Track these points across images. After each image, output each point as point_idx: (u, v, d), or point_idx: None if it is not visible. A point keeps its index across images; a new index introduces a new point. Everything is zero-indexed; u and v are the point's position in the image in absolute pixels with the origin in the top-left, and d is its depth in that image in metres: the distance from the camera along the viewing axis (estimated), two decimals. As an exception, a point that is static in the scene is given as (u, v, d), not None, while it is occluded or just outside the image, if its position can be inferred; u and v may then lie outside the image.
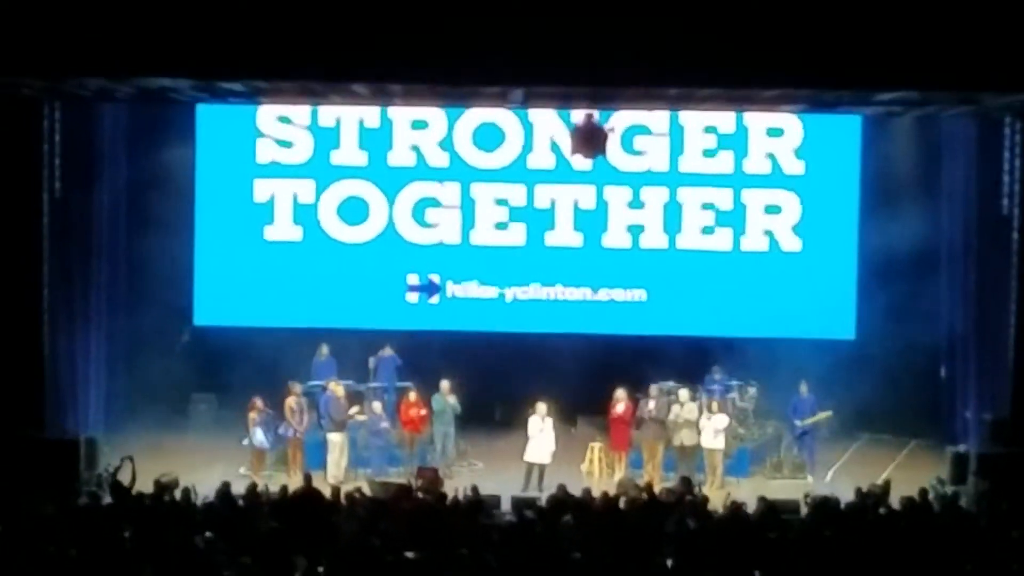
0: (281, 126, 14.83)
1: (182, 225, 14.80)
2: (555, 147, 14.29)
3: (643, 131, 14.22)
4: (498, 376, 14.68)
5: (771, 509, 10.78)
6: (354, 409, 13.16)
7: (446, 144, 14.69)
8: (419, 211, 14.75)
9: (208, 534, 9.62)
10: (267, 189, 14.88)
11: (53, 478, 11.86)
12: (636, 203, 14.72)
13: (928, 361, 14.24)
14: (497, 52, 10.35)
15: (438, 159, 14.63)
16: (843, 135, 14.83)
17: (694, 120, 14.59)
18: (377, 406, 13.24)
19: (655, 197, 14.71)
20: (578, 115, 11.84)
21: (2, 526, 9.80)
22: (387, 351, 14.10)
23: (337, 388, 13.08)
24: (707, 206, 14.76)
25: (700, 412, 13.06)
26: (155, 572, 8.93)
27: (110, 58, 10.50)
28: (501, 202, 14.85)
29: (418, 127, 14.64)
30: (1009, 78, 10.76)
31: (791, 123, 14.68)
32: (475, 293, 14.88)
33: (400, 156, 14.73)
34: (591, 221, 14.77)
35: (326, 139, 14.74)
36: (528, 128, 14.56)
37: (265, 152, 14.70)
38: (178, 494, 10.86)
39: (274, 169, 14.72)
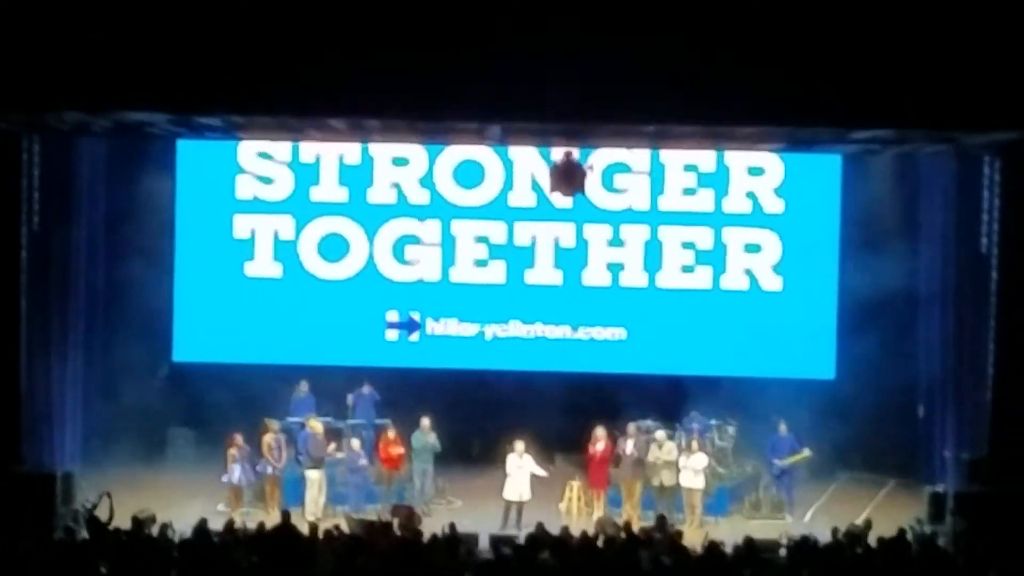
0: (261, 162, 14.90)
1: (162, 260, 14.84)
2: (535, 185, 14.26)
3: (623, 169, 14.20)
4: (477, 413, 14.72)
5: (749, 548, 10.73)
6: (332, 446, 13.28)
7: (426, 181, 14.70)
8: (399, 248, 14.71)
9: (184, 569, 9.82)
10: (247, 225, 14.89)
11: (30, 513, 11.83)
12: (616, 241, 14.76)
13: (907, 401, 14.19)
14: (473, 87, 10.56)
15: (418, 196, 14.68)
16: (823, 174, 14.88)
17: (674, 158, 14.62)
18: (356, 443, 13.27)
19: (635, 235, 14.76)
20: (557, 153, 12.15)
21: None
22: (366, 388, 14.07)
23: (316, 425, 13.08)
24: (687, 245, 14.84)
25: (679, 452, 13.21)
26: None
27: (87, 92, 10.82)
28: (481, 239, 14.87)
29: (399, 164, 14.64)
30: (987, 117, 11.06)
31: (771, 162, 14.82)
32: (455, 331, 14.89)
33: (380, 193, 14.82)
34: (571, 259, 14.82)
35: (306, 175, 14.75)
36: (508, 165, 14.60)
37: (245, 188, 14.79)
38: (155, 530, 10.95)
39: (254, 205, 14.80)
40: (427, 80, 10.66)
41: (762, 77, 10.65)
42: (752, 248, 15.00)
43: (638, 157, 14.61)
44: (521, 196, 14.59)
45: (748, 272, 14.94)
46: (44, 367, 13.29)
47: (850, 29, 10.75)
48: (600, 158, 13.40)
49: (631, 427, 13.39)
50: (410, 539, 10.93)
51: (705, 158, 14.86)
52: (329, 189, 14.89)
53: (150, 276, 14.44)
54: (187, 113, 11.73)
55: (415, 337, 14.91)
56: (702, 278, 14.83)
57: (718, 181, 14.87)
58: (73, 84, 10.93)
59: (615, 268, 14.86)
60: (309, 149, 14.85)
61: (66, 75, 10.84)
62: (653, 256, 14.90)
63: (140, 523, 11.04)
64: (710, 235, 14.86)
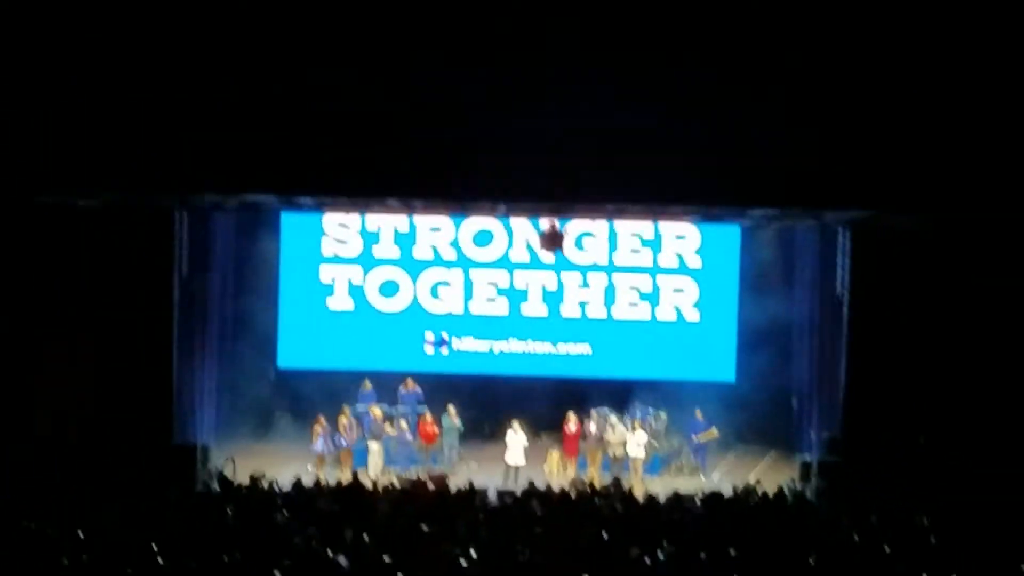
0: (339, 229, 14.92)
1: (270, 296, 14.91)
2: (529, 246, 14.41)
3: (589, 235, 14.40)
4: (487, 404, 14.58)
5: (676, 498, 10.79)
6: (388, 426, 13.27)
7: (454, 243, 14.83)
8: (434, 289, 14.72)
9: (285, 512, 9.73)
10: (329, 273, 14.89)
11: (178, 473, 12.08)
12: (584, 284, 14.69)
13: (785, 397, 14.01)
14: (487, 179, 10.99)
15: (448, 253, 14.75)
16: (728, 239, 14.94)
17: (625, 227, 14.64)
18: (403, 424, 13.28)
19: (597, 281, 14.63)
20: (544, 223, 12.34)
21: (142, 507, 9.69)
22: (410, 385, 13.99)
23: (376, 411, 13.13)
24: (633, 288, 14.69)
25: (627, 431, 13.15)
26: (246, 542, 8.92)
27: (221, 182, 11.31)
28: (491, 283, 14.78)
29: (434, 231, 14.72)
30: (840, 202, 11.59)
31: (691, 231, 14.83)
32: (472, 347, 14.72)
33: (422, 251, 14.89)
34: (553, 298, 14.73)
35: (370, 238, 14.81)
36: (510, 232, 14.58)
37: (328, 247, 14.80)
38: (265, 484, 11.00)
39: (334, 259, 14.72)
40: (455, 174, 10.94)
41: (685, 173, 10.81)
42: (678, 291, 14.86)
43: (600, 226, 14.61)
44: (519, 253, 14.59)
45: (676, 308, 14.84)
46: (188, 370, 13.39)
47: (745, 141, 10.83)
48: (573, 227, 13.35)
49: (593, 413, 13.46)
50: (441, 492, 11.08)
51: (646, 227, 14.85)
52: (386, 248, 14.78)
53: (262, 307, 14.47)
54: (289, 195, 12.39)
55: (445, 351, 14.73)
56: (643, 311, 14.66)
57: (655, 243, 14.82)
58: (210, 177, 11.20)
59: (583, 304, 14.76)
60: (373, 220, 14.90)
61: (206, 171, 11.13)
62: (609, 296, 14.76)
63: (255, 480, 11.14)
64: (649, 281, 14.68)
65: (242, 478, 11.48)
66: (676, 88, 11.06)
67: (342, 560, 8.30)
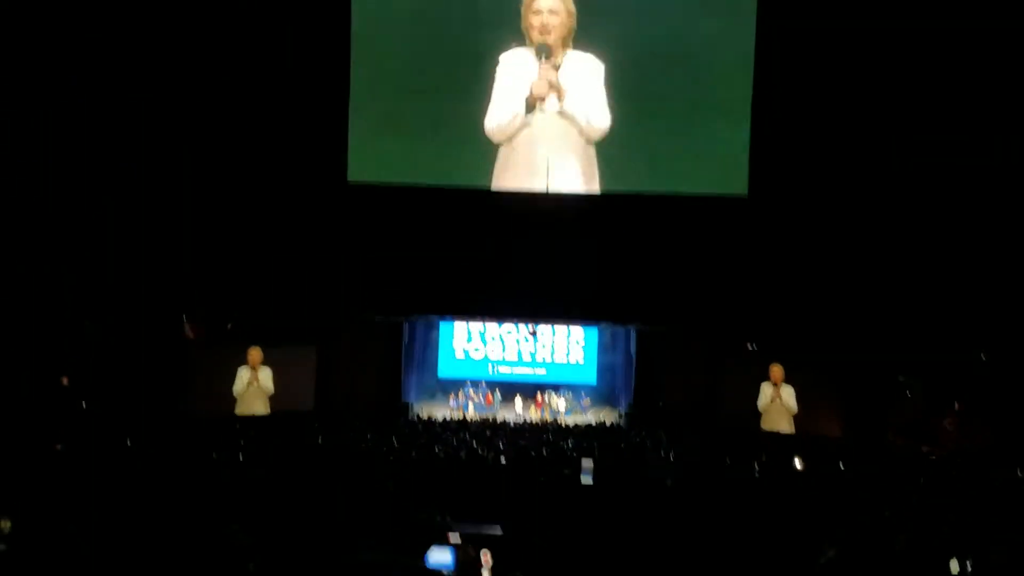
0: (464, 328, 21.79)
1: (434, 357, 22.26)
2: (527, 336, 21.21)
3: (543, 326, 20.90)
4: (503, 392, 21.67)
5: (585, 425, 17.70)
6: (475, 395, 21.24)
7: (497, 338, 21.89)
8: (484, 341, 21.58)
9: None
10: (461, 352, 22.15)
11: (402, 413, 18.60)
12: (536, 349, 21.88)
13: (613, 389, 21.75)
14: (512, 305, 17.91)
15: (495, 336, 21.85)
16: (591, 338, 21.89)
17: (560, 329, 21.90)
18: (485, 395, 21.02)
19: (547, 349, 22.34)
20: (528, 328, 20.92)
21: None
22: (482, 383, 21.50)
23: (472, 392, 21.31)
24: (558, 349, 22.20)
25: (562, 402, 21.03)
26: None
27: (408, 307, 18.53)
28: (513, 353, 22.09)
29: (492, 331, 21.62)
30: (657, 319, 17.90)
31: (580, 332, 21.94)
32: (503, 368, 21.98)
33: (490, 344, 22.02)
34: (532, 356, 22.38)
35: (475, 336, 21.99)
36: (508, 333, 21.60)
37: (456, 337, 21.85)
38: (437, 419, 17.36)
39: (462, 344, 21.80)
40: (508, 300, 17.19)
41: (593, 305, 17.48)
42: (578, 345, 22.10)
43: (549, 327, 21.61)
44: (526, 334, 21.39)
45: (577, 362, 22.23)
46: (410, 369, 21.33)
47: (627, 282, 16.73)
48: (541, 327, 21.26)
49: (547, 394, 21.42)
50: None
51: (573, 329, 21.87)
52: (476, 338, 21.98)
53: (431, 354, 22.25)
54: (444, 314, 19.68)
55: (492, 370, 21.98)
56: (567, 358, 22.21)
57: (577, 334, 22.09)
58: (417, 307, 18.33)
59: (544, 358, 22.11)
60: (473, 325, 21.62)
61: (415, 303, 18.09)
62: (551, 353, 22.20)
63: (431, 418, 18.31)
64: (566, 345, 22.30)
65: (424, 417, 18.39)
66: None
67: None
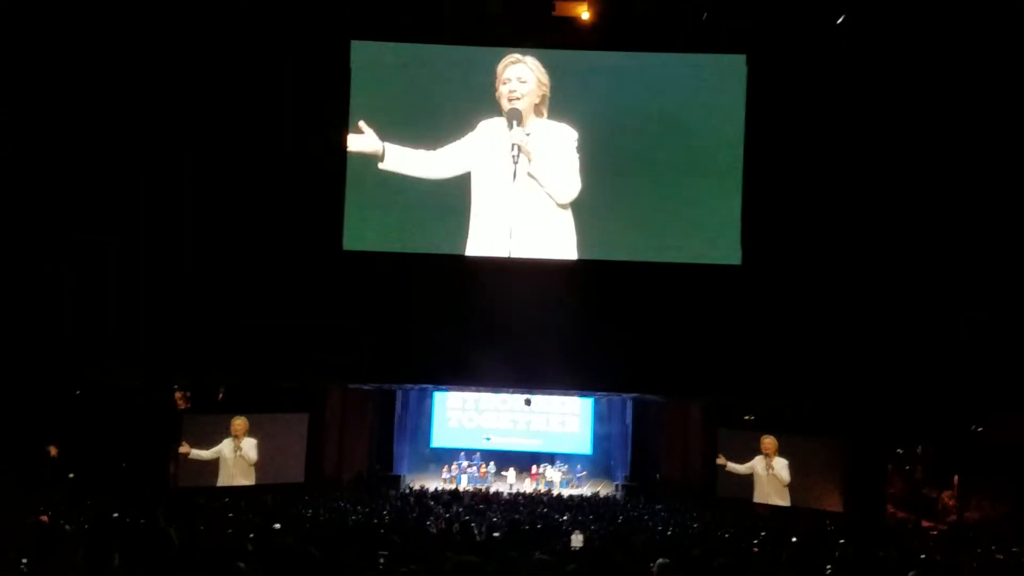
0: (446, 396, 22.96)
1: (426, 426, 22.93)
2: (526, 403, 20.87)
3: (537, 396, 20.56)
4: (498, 463, 22.10)
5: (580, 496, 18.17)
6: (469, 467, 21.54)
7: (477, 405, 22.71)
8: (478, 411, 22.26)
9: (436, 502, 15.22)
10: (455, 420, 23.38)
11: (392, 485, 19.38)
12: (532, 421, 22.53)
13: (608, 458, 22.50)
14: (506, 373, 16.57)
15: (489, 406, 22.79)
16: (587, 409, 23.04)
17: (555, 399, 22.46)
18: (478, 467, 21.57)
19: (542, 419, 23.20)
20: (523, 398, 20.29)
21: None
22: (477, 454, 21.98)
23: (465, 463, 22.04)
24: (553, 419, 22.99)
25: (557, 473, 21.73)
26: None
27: (403, 375, 17.84)
28: (508, 422, 22.81)
29: (486, 401, 22.33)
30: (659, 389, 17.76)
31: (576, 402, 22.77)
32: (497, 441, 22.88)
33: (485, 414, 22.84)
34: (527, 425, 23.13)
35: (469, 405, 22.95)
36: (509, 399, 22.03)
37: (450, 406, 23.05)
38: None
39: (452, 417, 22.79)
40: (498, 370, 16.33)
41: (588, 375, 16.58)
42: (572, 417, 22.78)
43: (544, 397, 21.57)
44: (519, 403, 21.59)
45: (572, 432, 23.19)
46: (402, 441, 21.71)
47: (618, 358, 16.01)
48: (534, 398, 21.14)
49: (543, 466, 22.20)
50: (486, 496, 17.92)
51: (571, 398, 22.34)
52: (470, 406, 23.00)
53: (424, 424, 23.23)
54: (432, 383, 19.01)
55: (487, 440, 22.72)
56: (559, 427, 22.98)
57: (572, 405, 22.98)
58: (410, 374, 17.65)
59: (539, 428, 22.79)
60: (470, 393, 22.39)
61: (392, 374, 17.46)
62: (542, 424, 22.92)
63: (423, 489, 19.14)
64: (561, 419, 23.20)
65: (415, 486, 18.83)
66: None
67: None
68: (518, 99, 15.92)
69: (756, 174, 15.87)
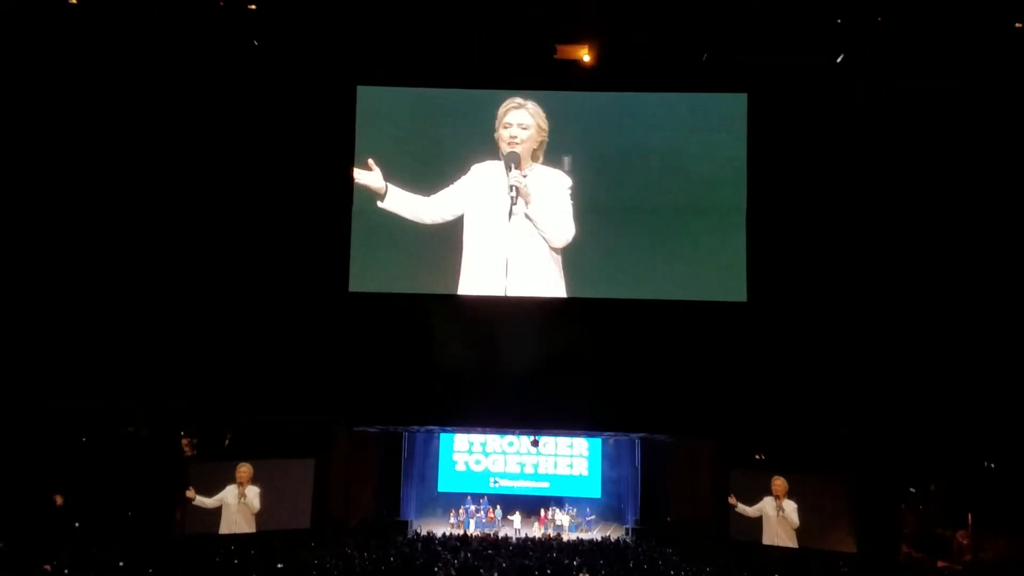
0: (457, 441, 22.38)
1: (433, 470, 22.54)
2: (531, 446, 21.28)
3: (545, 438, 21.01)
4: (504, 506, 21.69)
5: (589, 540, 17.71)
6: (476, 511, 20.86)
7: (485, 448, 22.48)
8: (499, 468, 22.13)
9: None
10: (462, 464, 22.79)
11: (400, 531, 18.86)
12: (539, 461, 22.19)
13: (619, 501, 21.89)
14: (511, 414, 17.32)
15: (496, 448, 22.33)
16: (595, 450, 22.40)
17: (563, 439, 22.22)
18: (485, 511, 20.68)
19: (549, 461, 22.77)
20: (529, 439, 20.96)
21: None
22: (484, 497, 21.45)
23: (472, 507, 21.26)
24: (560, 461, 22.60)
25: (566, 516, 21.01)
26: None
27: (407, 417, 18.08)
28: (515, 465, 22.54)
29: (493, 443, 22.06)
30: (661, 428, 18.00)
31: (583, 443, 22.29)
32: (504, 483, 22.55)
33: (492, 456, 22.49)
34: (535, 468, 22.70)
35: (475, 447, 22.58)
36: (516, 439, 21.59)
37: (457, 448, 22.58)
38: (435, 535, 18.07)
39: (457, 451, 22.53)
40: (504, 412, 17.07)
41: (596, 415, 17.18)
42: (581, 458, 22.53)
43: (551, 438, 21.82)
44: (523, 448, 22.07)
45: (580, 474, 22.71)
46: (408, 485, 21.08)
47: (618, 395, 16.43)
48: (541, 439, 21.54)
49: (550, 510, 21.53)
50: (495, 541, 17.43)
51: (577, 440, 22.11)
52: (476, 449, 22.56)
53: (431, 465, 22.13)
54: (429, 425, 19.15)
55: (494, 483, 22.34)
56: (565, 471, 22.60)
57: (580, 446, 22.53)
58: (417, 417, 18.08)
59: (542, 472, 22.57)
60: (475, 437, 22.21)
61: (400, 415, 17.81)
62: (552, 466, 22.64)
63: (430, 535, 17.67)
64: (568, 461, 22.84)
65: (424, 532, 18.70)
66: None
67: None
68: (518, 144, 16.64)
69: (760, 211, 16.21)
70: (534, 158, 16.58)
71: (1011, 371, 14.74)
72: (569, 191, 16.67)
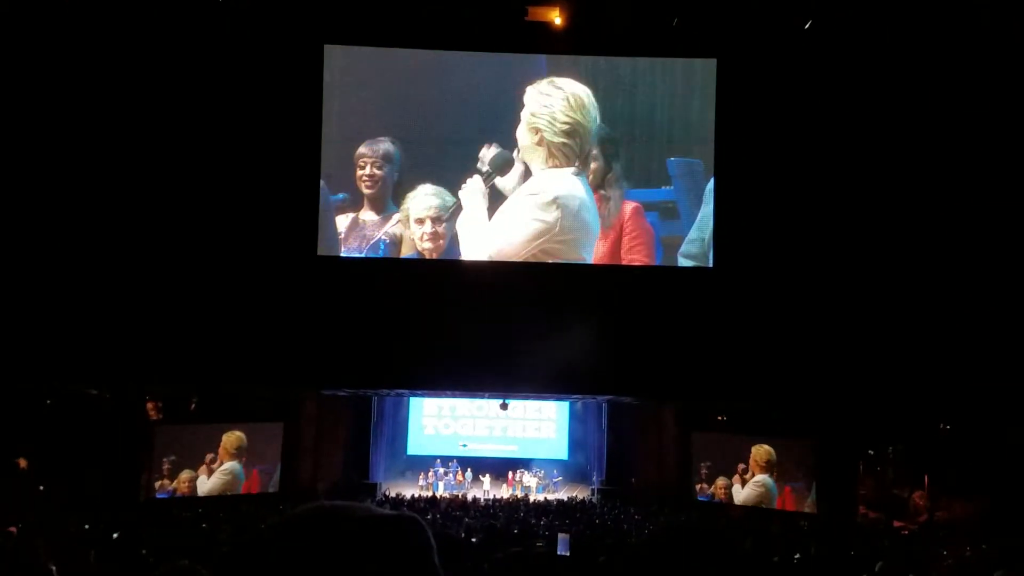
0: (423, 403, 23.15)
1: (403, 433, 23.26)
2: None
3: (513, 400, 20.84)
4: (475, 470, 22.13)
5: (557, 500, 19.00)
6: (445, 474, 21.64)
7: (454, 411, 23.08)
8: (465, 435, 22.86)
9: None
10: (431, 427, 23.56)
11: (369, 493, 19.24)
12: (507, 424, 22.88)
13: (586, 462, 22.46)
14: (486, 379, 17.55)
15: (466, 412, 23.21)
16: (563, 413, 23.42)
17: (531, 404, 22.79)
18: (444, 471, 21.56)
19: (518, 424, 23.46)
20: (498, 403, 20.72)
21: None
22: (453, 461, 22.14)
23: (442, 469, 21.81)
24: (528, 425, 23.19)
25: (533, 478, 21.57)
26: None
27: (376, 381, 18.48)
28: (484, 429, 23.20)
29: (462, 407, 22.82)
30: (626, 391, 18.86)
31: (552, 407, 23.35)
32: (473, 447, 23.08)
33: (461, 420, 23.38)
34: (503, 431, 23.49)
35: (445, 411, 23.33)
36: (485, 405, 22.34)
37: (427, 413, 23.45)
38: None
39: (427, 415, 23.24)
40: (472, 373, 17.22)
41: (564, 378, 17.02)
42: (547, 429, 23.33)
43: (520, 402, 22.18)
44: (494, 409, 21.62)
45: (547, 437, 23.50)
46: (377, 451, 21.87)
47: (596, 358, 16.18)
48: (510, 402, 21.28)
49: (519, 471, 22.02)
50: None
51: (545, 403, 22.84)
52: (446, 412, 23.42)
53: (400, 431, 22.84)
54: (399, 388, 19.87)
55: (463, 447, 22.92)
56: (534, 434, 23.17)
57: (548, 409, 23.42)
58: (386, 381, 18.42)
59: (516, 434, 23.20)
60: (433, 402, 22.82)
61: (369, 379, 18.14)
62: (519, 429, 23.28)
63: (399, 496, 21.26)
64: (537, 425, 23.51)
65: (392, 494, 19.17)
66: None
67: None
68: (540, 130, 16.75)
69: (727, 177, 16.41)
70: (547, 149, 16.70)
71: (967, 336, 14.90)
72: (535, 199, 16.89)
